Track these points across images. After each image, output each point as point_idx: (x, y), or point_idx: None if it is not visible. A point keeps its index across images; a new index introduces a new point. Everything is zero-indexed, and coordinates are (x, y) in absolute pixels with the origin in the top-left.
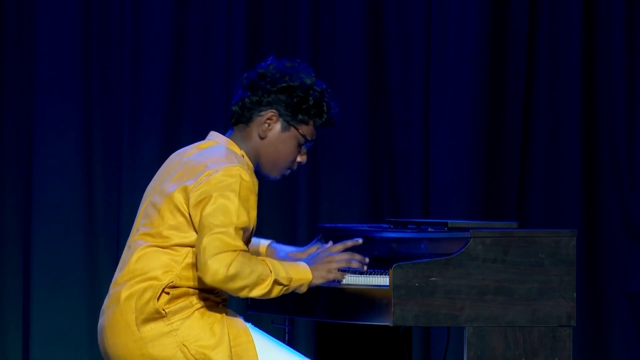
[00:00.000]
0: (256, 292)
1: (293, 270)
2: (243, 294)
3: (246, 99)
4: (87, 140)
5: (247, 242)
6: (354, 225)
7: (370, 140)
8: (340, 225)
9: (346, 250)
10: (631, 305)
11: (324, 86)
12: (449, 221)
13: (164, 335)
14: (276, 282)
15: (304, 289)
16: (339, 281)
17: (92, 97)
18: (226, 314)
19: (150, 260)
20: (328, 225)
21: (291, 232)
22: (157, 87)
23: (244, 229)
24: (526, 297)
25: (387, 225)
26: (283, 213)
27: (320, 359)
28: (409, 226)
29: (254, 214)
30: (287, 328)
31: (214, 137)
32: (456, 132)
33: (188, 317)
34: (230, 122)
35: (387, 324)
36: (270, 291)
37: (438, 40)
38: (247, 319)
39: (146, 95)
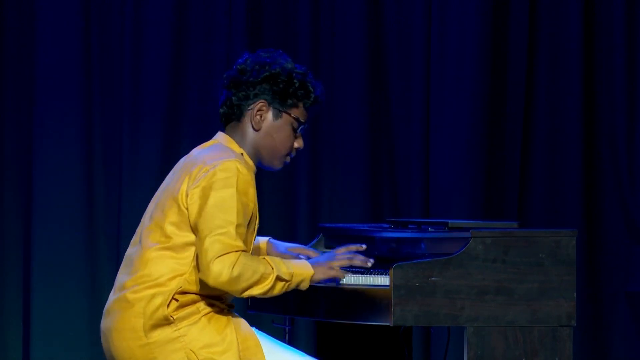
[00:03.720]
0: (259, 291)
1: (294, 266)
2: (246, 294)
3: (233, 97)
4: (87, 140)
5: (252, 235)
6: (354, 225)
7: (370, 140)
8: (341, 225)
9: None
10: (631, 305)
11: (304, 68)
12: (449, 221)
13: (171, 342)
14: (278, 279)
15: (305, 285)
16: (339, 280)
17: (93, 97)
18: (232, 319)
19: (159, 265)
20: (328, 225)
21: (291, 232)
22: (157, 87)
23: (244, 225)
24: (526, 297)
25: (387, 225)
26: (283, 213)
27: (320, 359)
28: (410, 226)
29: (253, 206)
30: (287, 328)
31: (218, 136)
32: (456, 131)
33: (195, 323)
34: (222, 124)
35: (388, 324)
36: (272, 288)
37: (438, 40)
38: (246, 319)
39: (146, 95)
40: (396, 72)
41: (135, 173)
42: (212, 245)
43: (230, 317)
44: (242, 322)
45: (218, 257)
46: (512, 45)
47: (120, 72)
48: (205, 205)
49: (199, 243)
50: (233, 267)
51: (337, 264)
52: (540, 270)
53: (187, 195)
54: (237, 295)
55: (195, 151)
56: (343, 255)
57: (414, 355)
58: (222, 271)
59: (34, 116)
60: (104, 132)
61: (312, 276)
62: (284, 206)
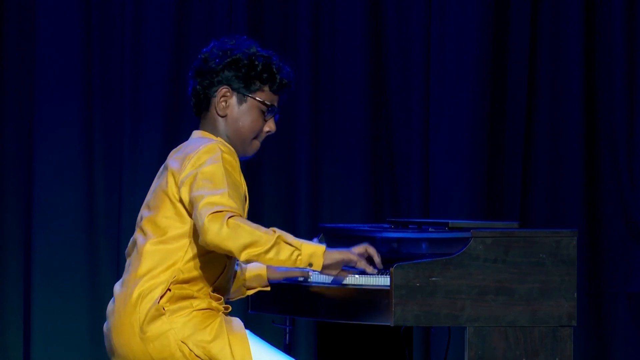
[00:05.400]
0: (261, 249)
1: (304, 241)
2: (247, 252)
3: (197, 86)
4: (88, 140)
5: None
6: (355, 225)
7: (370, 140)
8: (341, 225)
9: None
10: (632, 305)
11: (269, 52)
12: (449, 221)
13: (163, 334)
14: (283, 241)
15: (318, 262)
16: (342, 280)
17: (93, 97)
18: (225, 320)
19: (152, 258)
20: (328, 225)
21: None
22: (158, 87)
23: (236, 197)
24: (527, 297)
25: (388, 225)
26: (283, 213)
27: (320, 359)
28: (410, 226)
29: (243, 185)
30: (287, 328)
31: (193, 135)
32: (457, 131)
33: (186, 315)
34: (195, 114)
35: (388, 324)
36: (275, 247)
37: (438, 40)
38: (247, 319)
39: (147, 95)
40: (396, 72)
41: (136, 173)
42: (205, 206)
43: (222, 317)
44: (235, 325)
45: (211, 213)
46: (513, 44)
47: (120, 72)
48: (195, 182)
49: (193, 213)
50: (227, 221)
51: (355, 251)
52: (540, 271)
53: (178, 187)
54: (240, 258)
55: (178, 149)
56: (360, 249)
57: (414, 356)
58: (214, 227)
59: (34, 116)
60: (104, 132)
61: (325, 252)
62: (284, 206)
